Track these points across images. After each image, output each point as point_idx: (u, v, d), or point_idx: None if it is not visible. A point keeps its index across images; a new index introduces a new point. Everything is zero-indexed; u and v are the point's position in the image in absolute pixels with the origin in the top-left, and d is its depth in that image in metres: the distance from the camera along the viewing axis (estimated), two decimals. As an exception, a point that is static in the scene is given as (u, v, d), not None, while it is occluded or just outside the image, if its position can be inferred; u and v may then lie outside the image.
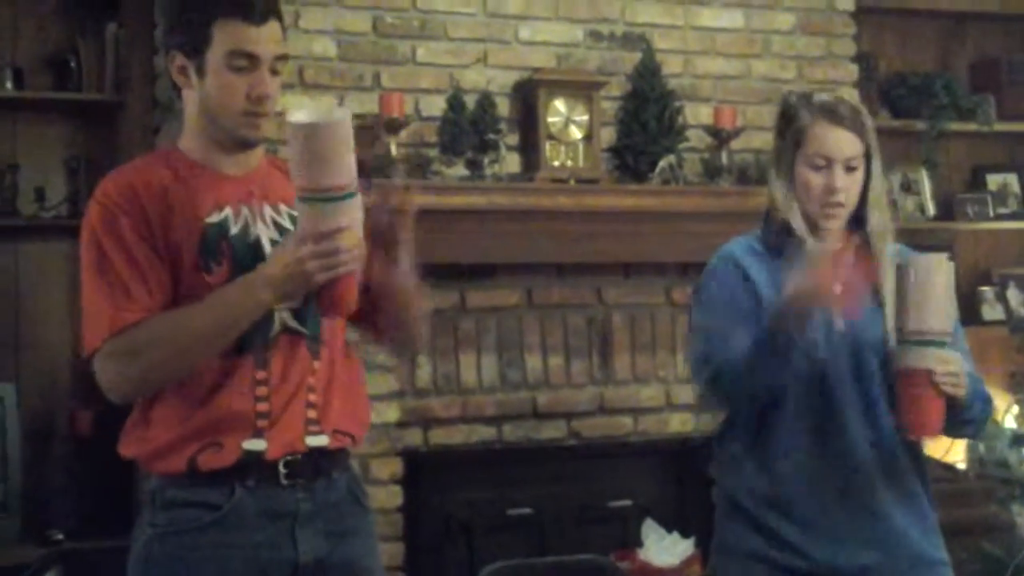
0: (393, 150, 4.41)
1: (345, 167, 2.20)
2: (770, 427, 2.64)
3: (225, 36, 2.36)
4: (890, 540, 2.62)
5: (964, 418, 2.62)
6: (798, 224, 2.64)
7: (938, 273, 2.51)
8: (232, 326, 2.30)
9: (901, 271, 2.53)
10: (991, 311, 5.86)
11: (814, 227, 2.65)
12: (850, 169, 2.63)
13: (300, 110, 2.26)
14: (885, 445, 2.62)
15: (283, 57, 2.43)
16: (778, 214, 2.68)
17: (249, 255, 2.37)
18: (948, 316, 2.52)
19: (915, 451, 2.68)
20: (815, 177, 2.63)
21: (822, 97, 2.67)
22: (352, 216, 2.22)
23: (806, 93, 2.72)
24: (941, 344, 2.49)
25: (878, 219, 2.68)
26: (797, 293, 2.44)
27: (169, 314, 2.32)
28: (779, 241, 2.67)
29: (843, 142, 2.62)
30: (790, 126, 2.67)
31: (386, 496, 4.41)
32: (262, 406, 2.36)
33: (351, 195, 2.21)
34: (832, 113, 2.63)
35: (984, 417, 2.70)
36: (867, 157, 2.65)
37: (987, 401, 2.70)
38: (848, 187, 2.63)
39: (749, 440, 2.67)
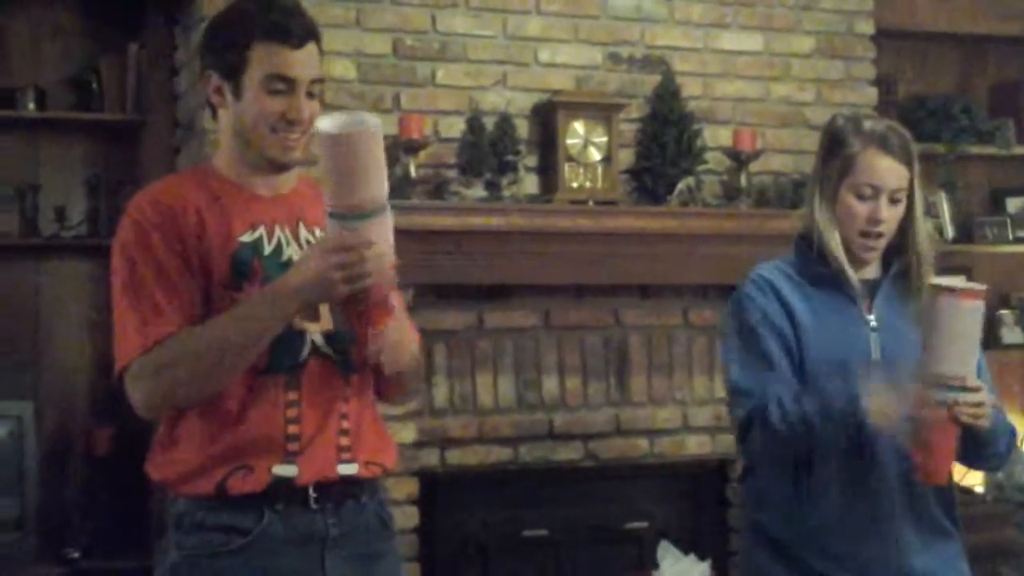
0: (412, 171, 4.42)
1: (373, 182, 2.17)
2: (803, 465, 2.59)
3: (262, 59, 2.34)
4: (915, 573, 2.60)
5: (989, 452, 2.60)
6: (838, 252, 2.61)
7: (967, 314, 2.44)
8: (258, 337, 2.27)
9: (931, 302, 2.45)
10: (1010, 334, 5.85)
11: (851, 255, 2.63)
12: (894, 201, 2.60)
13: (329, 118, 2.20)
14: (915, 486, 2.58)
15: (320, 80, 2.42)
16: (816, 239, 2.63)
17: (280, 275, 2.34)
18: (972, 360, 2.45)
19: (944, 494, 2.64)
20: (860, 206, 2.59)
21: (873, 124, 2.63)
22: (381, 232, 2.19)
23: (855, 117, 2.67)
24: (959, 390, 2.43)
25: (922, 248, 2.65)
26: (884, 417, 2.44)
27: (195, 328, 2.30)
28: (815, 268, 2.64)
29: (892, 173, 2.58)
30: (839, 152, 2.61)
31: (402, 516, 4.40)
32: (293, 428, 2.34)
33: (380, 211, 2.18)
34: (884, 142, 2.59)
35: (1009, 450, 2.67)
36: (910, 187, 2.62)
37: (1012, 433, 2.67)
38: (890, 218, 2.60)
39: (780, 471, 2.63)
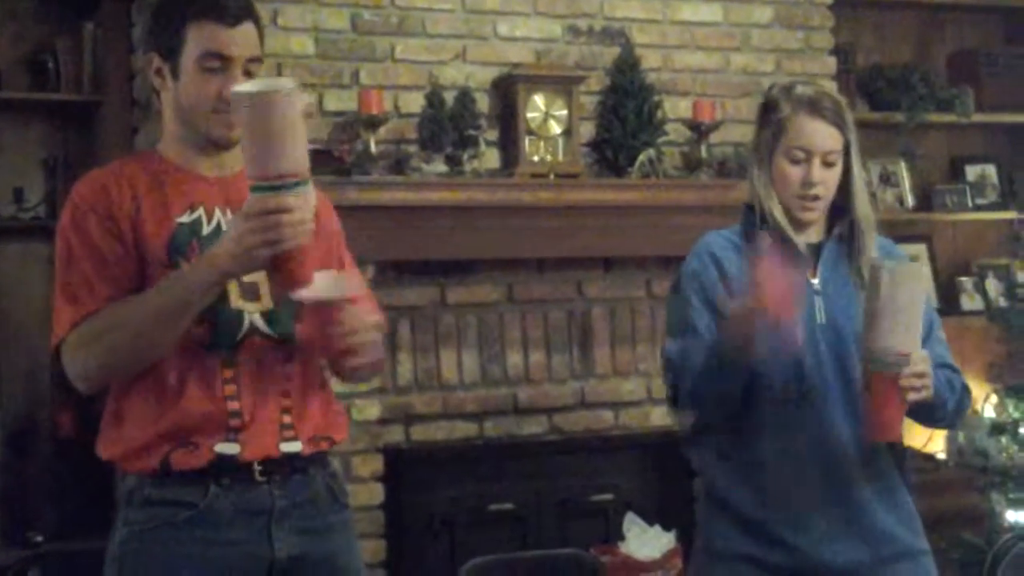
0: (372, 147, 4.41)
1: (292, 151, 2.17)
2: (752, 422, 2.63)
3: (198, 38, 2.38)
4: (874, 534, 2.63)
5: (936, 415, 2.65)
6: (778, 215, 2.64)
7: (908, 285, 2.46)
8: (184, 307, 2.29)
9: (873, 276, 2.48)
10: (970, 301, 5.89)
11: (793, 219, 2.66)
12: (828, 164, 2.63)
13: (246, 83, 2.22)
14: (864, 438, 2.61)
15: (257, 59, 2.43)
16: (757, 205, 2.67)
17: None
18: (916, 331, 2.48)
19: (893, 443, 2.67)
20: (793, 169, 2.63)
21: (804, 89, 2.67)
22: (301, 201, 2.19)
23: (788, 85, 2.71)
24: (904, 364, 2.46)
25: (862, 210, 2.68)
26: (736, 313, 2.45)
27: (124, 300, 2.33)
28: (758, 234, 2.66)
29: (823, 136, 2.62)
30: (771, 117, 2.66)
31: (368, 493, 4.41)
32: (232, 405, 2.37)
33: (300, 184, 2.18)
34: (813, 106, 2.62)
35: (960, 408, 2.70)
36: (847, 151, 2.65)
37: (963, 392, 2.70)
38: (825, 180, 2.64)
39: (731, 437, 2.66)
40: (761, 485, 2.62)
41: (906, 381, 2.46)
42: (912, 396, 2.48)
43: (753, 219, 2.69)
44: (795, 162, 2.63)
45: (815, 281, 2.66)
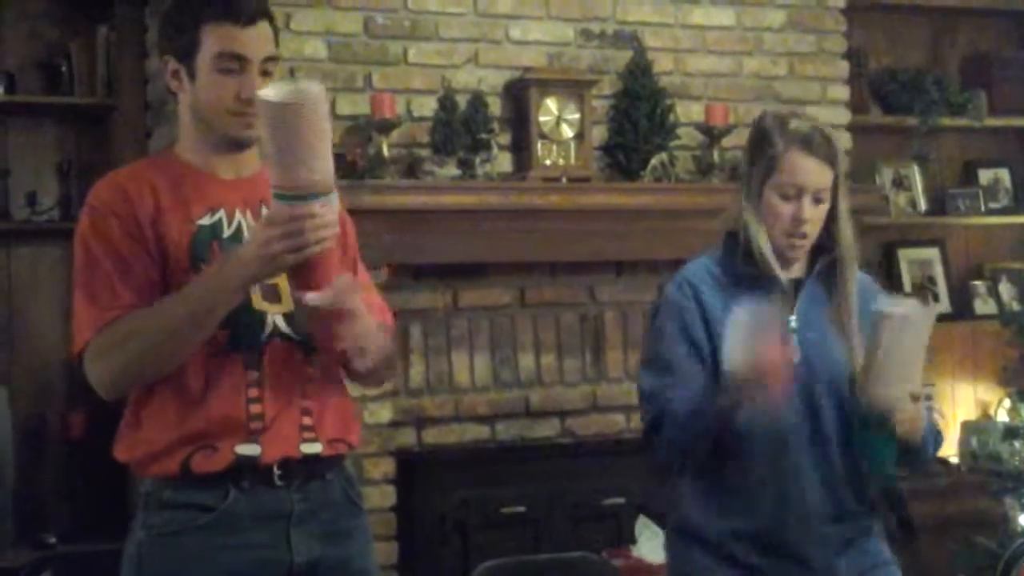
0: (385, 151, 4.41)
1: (320, 161, 2.16)
2: (724, 461, 2.63)
3: (213, 39, 2.37)
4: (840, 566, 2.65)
5: (917, 459, 2.67)
6: (765, 250, 2.63)
7: (913, 335, 2.47)
8: (208, 312, 2.28)
9: (876, 324, 2.48)
10: (983, 305, 5.88)
11: (778, 253, 2.65)
12: (818, 200, 2.62)
13: (272, 87, 2.18)
14: (832, 481, 2.63)
15: (273, 58, 2.43)
16: (743, 238, 2.65)
17: None
18: (916, 379, 2.50)
19: (858, 486, 2.69)
20: (783, 206, 2.61)
21: (798, 125, 2.64)
22: (326, 209, 2.19)
23: (782, 116, 2.69)
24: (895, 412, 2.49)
25: (845, 245, 2.67)
26: (739, 376, 2.42)
27: (148, 307, 2.31)
28: (740, 268, 2.66)
29: (815, 173, 2.61)
30: (763, 151, 2.64)
31: (379, 496, 4.41)
32: (255, 408, 2.36)
33: (324, 193, 2.18)
34: (807, 143, 2.61)
35: (935, 452, 2.74)
36: (834, 184, 2.65)
37: (938, 435, 2.73)
38: (814, 218, 2.63)
39: (705, 475, 2.67)
40: (730, 516, 2.64)
41: (899, 423, 2.48)
42: (901, 429, 2.50)
43: (735, 248, 2.67)
44: (786, 198, 2.61)
45: (792, 319, 2.65)
